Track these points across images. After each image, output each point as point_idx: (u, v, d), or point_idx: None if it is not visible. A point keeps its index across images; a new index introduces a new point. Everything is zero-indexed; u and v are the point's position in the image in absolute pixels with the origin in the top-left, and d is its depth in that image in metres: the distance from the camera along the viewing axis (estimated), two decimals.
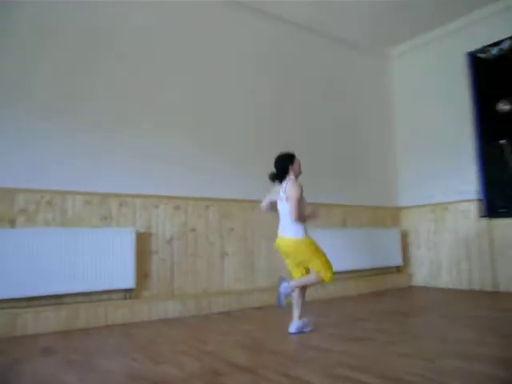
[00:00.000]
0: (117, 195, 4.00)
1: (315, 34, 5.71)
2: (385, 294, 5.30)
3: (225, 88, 4.82)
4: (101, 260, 3.76)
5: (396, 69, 6.66)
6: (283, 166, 3.29)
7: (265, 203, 3.43)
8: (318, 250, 3.20)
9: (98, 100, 4.02)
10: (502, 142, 5.32)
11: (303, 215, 3.20)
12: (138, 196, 4.10)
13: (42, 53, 3.81)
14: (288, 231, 3.22)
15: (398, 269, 6.11)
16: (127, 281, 3.85)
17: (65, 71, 3.87)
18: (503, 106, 5.70)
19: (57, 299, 3.60)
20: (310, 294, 4.97)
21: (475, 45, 5.64)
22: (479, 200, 5.47)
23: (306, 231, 3.21)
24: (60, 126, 3.81)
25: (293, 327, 3.21)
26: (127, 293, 3.93)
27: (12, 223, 3.51)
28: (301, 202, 3.16)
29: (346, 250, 5.36)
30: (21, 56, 3.71)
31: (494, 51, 5.50)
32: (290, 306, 3.32)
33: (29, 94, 3.68)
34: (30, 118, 3.67)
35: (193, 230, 4.38)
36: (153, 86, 4.32)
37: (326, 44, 5.86)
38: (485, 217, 5.39)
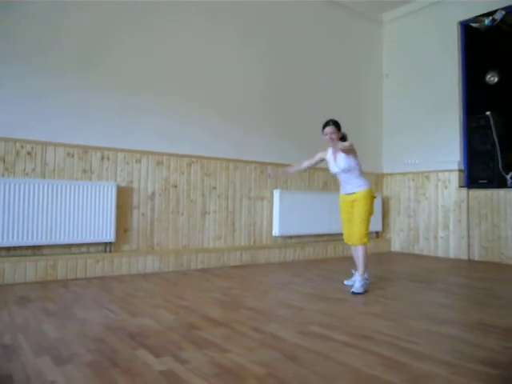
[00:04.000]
0: (99, 148, 3.95)
1: None
2: None
3: (219, 50, 4.70)
4: (81, 213, 3.75)
5: (387, 35, 6.55)
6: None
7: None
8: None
9: (90, 58, 3.90)
10: (487, 113, 5.35)
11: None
12: (119, 150, 4.05)
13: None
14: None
15: (378, 234, 6.22)
16: (107, 234, 3.85)
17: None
18: (491, 78, 5.70)
19: (36, 250, 3.60)
20: (290, 254, 5.08)
21: (468, 14, 5.56)
22: (460, 170, 5.54)
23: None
24: (48, 80, 3.70)
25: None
26: (107, 246, 3.94)
27: None
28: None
29: (326, 214, 5.43)
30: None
31: (487, 21, 5.42)
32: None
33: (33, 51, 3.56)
34: (22, 72, 3.55)
35: (174, 186, 4.37)
36: (144, 44, 4.20)
37: (320, 6, 5.71)
38: (464, 187, 5.48)
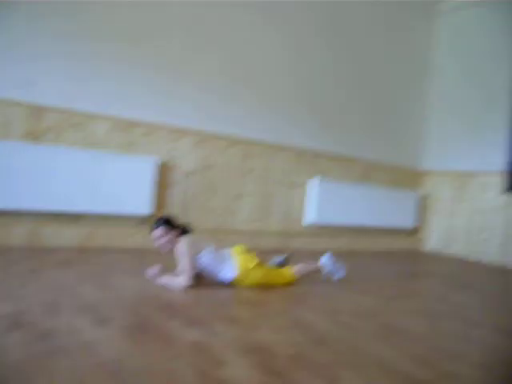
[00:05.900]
0: (143, 123, 4.02)
1: None
2: (394, 255, 5.36)
3: (264, 31, 4.68)
4: (121, 185, 3.84)
5: (440, 26, 6.35)
6: None
7: None
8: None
9: (137, 30, 3.96)
10: None
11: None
12: (163, 127, 4.12)
13: None
14: None
15: (411, 232, 6.13)
16: (144, 208, 3.94)
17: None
18: None
19: (77, 217, 3.72)
20: (323, 244, 5.06)
21: None
22: (506, 174, 5.35)
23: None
24: (100, 52, 3.79)
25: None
26: (144, 219, 4.03)
27: (37, 140, 3.56)
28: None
29: (360, 206, 5.38)
30: None
31: None
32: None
33: (76, 20, 3.64)
34: (72, 41, 3.64)
35: (213, 166, 4.41)
36: (192, 16, 4.23)
37: None
38: (508, 191, 5.30)
